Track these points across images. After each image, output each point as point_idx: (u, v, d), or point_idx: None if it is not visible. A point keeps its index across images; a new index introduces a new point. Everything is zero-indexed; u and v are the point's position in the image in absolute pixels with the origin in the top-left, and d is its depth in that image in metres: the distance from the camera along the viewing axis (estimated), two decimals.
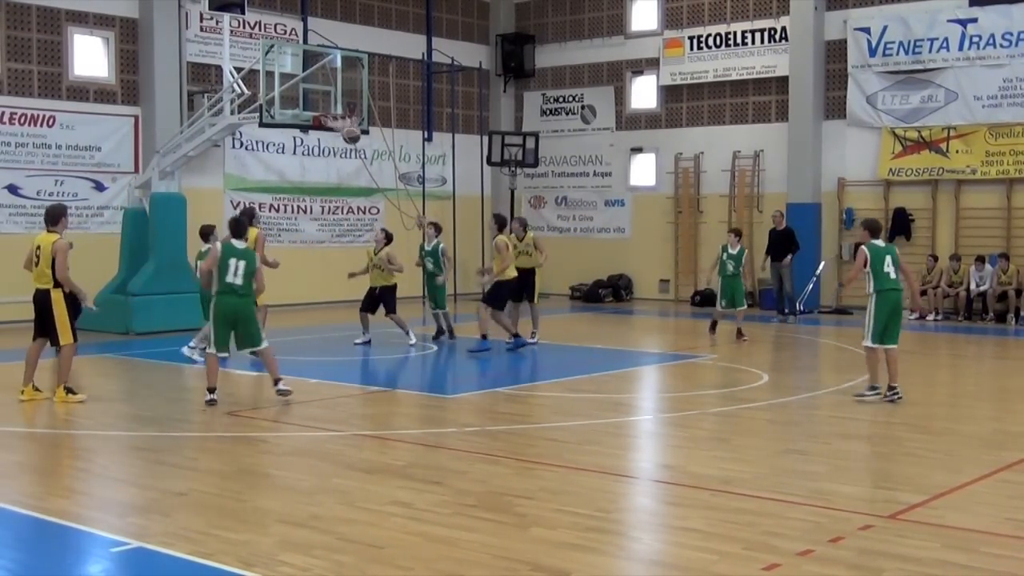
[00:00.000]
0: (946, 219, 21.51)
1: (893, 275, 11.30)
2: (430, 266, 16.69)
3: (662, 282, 25.18)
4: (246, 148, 21.90)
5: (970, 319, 20.15)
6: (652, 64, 25.05)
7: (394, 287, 16.25)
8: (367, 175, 21.84)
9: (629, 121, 25.60)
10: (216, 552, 6.20)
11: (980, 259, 20.24)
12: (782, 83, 23.05)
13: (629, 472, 8.78)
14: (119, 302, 17.81)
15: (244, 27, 21.44)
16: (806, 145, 22.57)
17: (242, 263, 11.07)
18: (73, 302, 11.45)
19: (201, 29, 21.02)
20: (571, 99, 26.41)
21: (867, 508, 7.23)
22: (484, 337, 15.27)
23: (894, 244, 21.35)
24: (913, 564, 6.04)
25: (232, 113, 18.15)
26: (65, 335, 11.24)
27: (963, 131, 21.11)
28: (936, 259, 21.03)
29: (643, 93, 25.45)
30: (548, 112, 26.77)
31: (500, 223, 15.92)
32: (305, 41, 22.41)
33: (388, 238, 16.40)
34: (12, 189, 18.64)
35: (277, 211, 22.37)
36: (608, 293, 24.89)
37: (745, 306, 17.53)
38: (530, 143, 25.34)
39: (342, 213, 23.61)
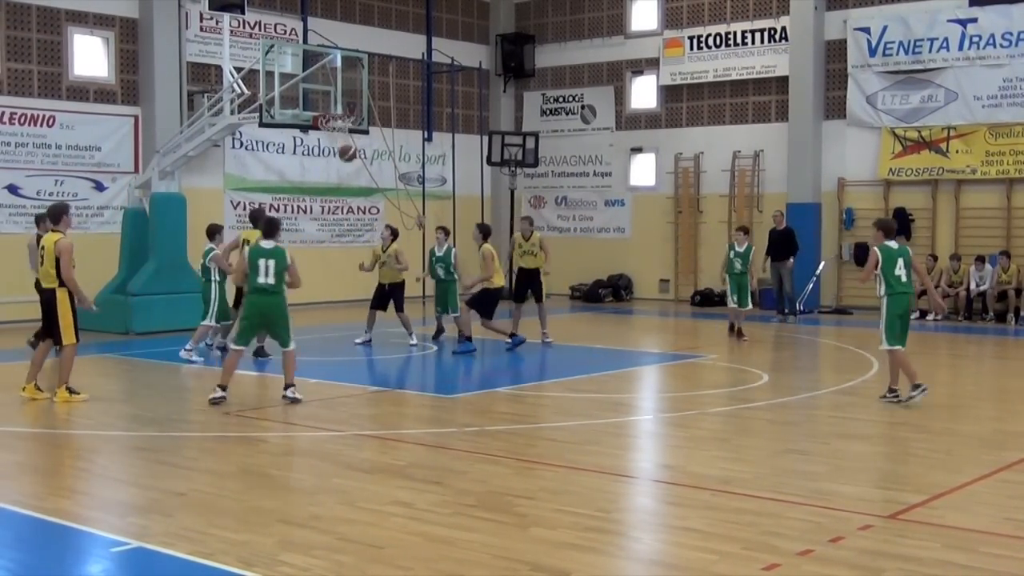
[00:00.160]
0: (946, 219, 21.52)
1: (904, 278, 11.17)
2: (441, 273, 16.26)
3: (662, 282, 25.19)
4: (246, 148, 21.90)
5: (970, 319, 20.15)
6: (652, 64, 25.05)
7: (403, 283, 16.28)
8: (367, 175, 21.84)
9: (629, 121, 25.60)
10: (216, 552, 6.20)
11: (980, 259, 20.24)
12: (782, 83, 23.05)
13: (629, 472, 8.78)
14: (119, 302, 17.81)
15: (244, 27, 21.44)
16: (806, 145, 22.57)
17: (272, 262, 11.18)
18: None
19: (201, 29, 21.02)
20: (571, 99, 26.41)
21: (867, 508, 7.22)
22: (468, 339, 15.26)
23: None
24: (913, 564, 6.04)
25: (232, 113, 18.15)
26: (68, 335, 11.25)
27: (963, 131, 21.11)
28: (936, 259, 21.03)
29: (643, 93, 25.45)
30: (548, 112, 26.77)
31: (485, 232, 15.91)
32: (305, 41, 22.41)
33: (394, 234, 16.41)
34: (12, 189, 18.63)
35: (277, 211, 22.29)
36: (608, 293, 24.89)
37: (749, 306, 17.52)
38: (530, 143, 25.37)
39: (342, 213, 23.61)
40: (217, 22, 20.25)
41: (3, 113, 18.52)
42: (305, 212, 22.86)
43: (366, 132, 19.44)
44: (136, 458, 9.01)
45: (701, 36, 24.13)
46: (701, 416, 10.93)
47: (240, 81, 17.89)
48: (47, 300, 11.31)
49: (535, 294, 16.60)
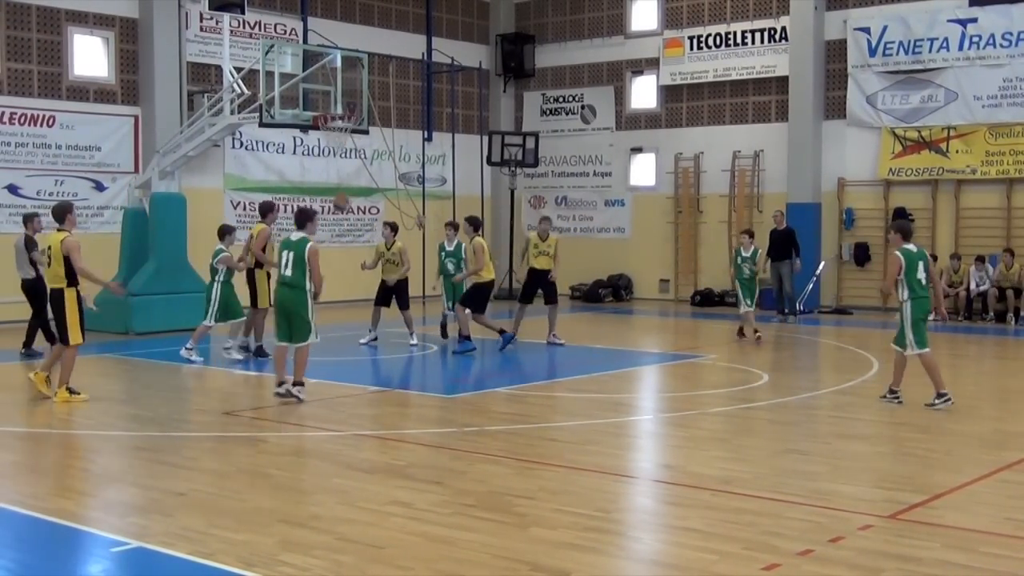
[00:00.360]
0: (946, 219, 21.51)
1: (925, 281, 11.07)
2: (451, 268, 16.21)
3: (662, 282, 25.19)
4: (246, 148, 21.90)
5: (970, 319, 20.15)
6: (652, 64, 25.05)
7: (407, 280, 16.24)
8: (367, 175, 21.85)
9: (629, 121, 25.60)
10: (216, 552, 6.21)
11: (980, 259, 20.24)
12: (782, 83, 23.06)
13: (629, 472, 8.78)
14: (119, 302, 17.73)
15: (244, 27, 21.44)
16: (806, 145, 22.57)
17: (291, 254, 11.21)
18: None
19: (201, 29, 21.02)
20: (571, 99, 26.41)
21: (867, 508, 7.22)
22: (468, 338, 15.25)
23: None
24: (913, 564, 6.04)
25: (232, 113, 18.15)
26: (75, 335, 11.29)
27: (963, 131, 21.12)
28: (936, 259, 20.99)
29: (643, 93, 25.45)
30: (548, 112, 26.77)
31: (475, 224, 15.85)
32: (305, 41, 22.41)
33: (395, 229, 16.35)
34: (12, 189, 18.63)
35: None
36: (608, 293, 24.90)
37: (752, 309, 17.30)
38: (530, 143, 25.39)
39: (342, 213, 23.60)
40: (217, 22, 20.25)
41: (3, 113, 18.53)
42: None
43: (366, 132, 19.45)
44: (136, 458, 9.00)
45: (701, 36, 24.14)
46: (701, 416, 10.93)
47: (240, 81, 17.89)
48: (55, 300, 11.32)
49: (547, 295, 16.49)
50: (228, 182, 21.68)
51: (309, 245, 11.25)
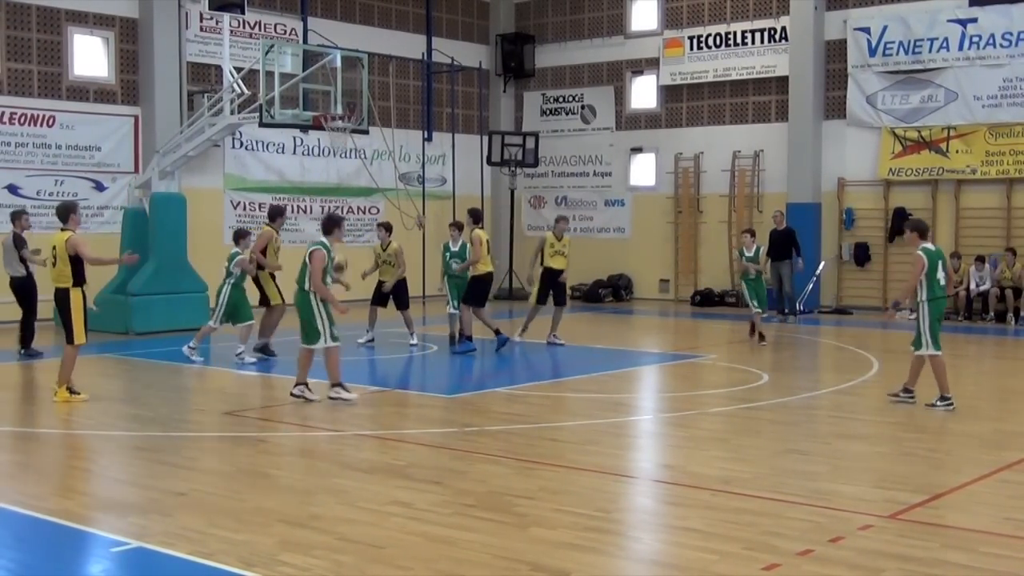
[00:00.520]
0: (946, 219, 21.51)
1: (943, 281, 11.03)
2: (455, 267, 15.93)
3: (662, 282, 25.19)
4: (246, 148, 21.90)
5: (970, 319, 20.15)
6: (652, 64, 25.05)
7: (404, 280, 16.17)
8: (367, 175, 21.85)
9: (629, 121, 25.60)
10: (216, 552, 6.21)
11: (980, 259, 20.24)
12: (782, 83, 23.06)
13: (629, 472, 8.78)
14: (119, 302, 17.81)
15: (244, 27, 21.44)
16: (806, 145, 22.57)
17: (305, 256, 11.24)
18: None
19: (201, 29, 21.02)
20: (571, 99, 26.41)
21: (867, 508, 7.22)
22: (469, 338, 15.23)
23: (897, 244, 21.42)
24: (913, 564, 6.04)
25: (232, 113, 18.15)
26: (79, 335, 11.31)
27: (963, 131, 21.11)
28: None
29: (643, 93, 25.45)
30: (548, 112, 26.77)
31: (475, 217, 15.79)
32: (305, 41, 22.41)
33: (389, 230, 16.29)
34: (12, 189, 18.63)
35: None
36: (608, 293, 24.90)
37: (762, 310, 17.09)
38: (530, 143, 25.40)
39: (342, 213, 23.57)
40: (217, 22, 20.25)
41: (3, 113, 18.53)
42: (305, 212, 22.83)
43: (366, 132, 19.44)
44: (136, 458, 9.01)
45: (701, 36, 24.14)
46: (701, 416, 10.92)
47: (240, 81, 17.89)
48: (61, 299, 11.33)
49: (557, 296, 16.43)
50: (228, 182, 21.68)
51: (314, 249, 11.23)
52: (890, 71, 21.82)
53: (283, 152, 22.59)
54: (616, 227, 25.85)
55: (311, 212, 23.02)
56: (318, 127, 18.50)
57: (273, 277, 14.80)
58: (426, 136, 25.13)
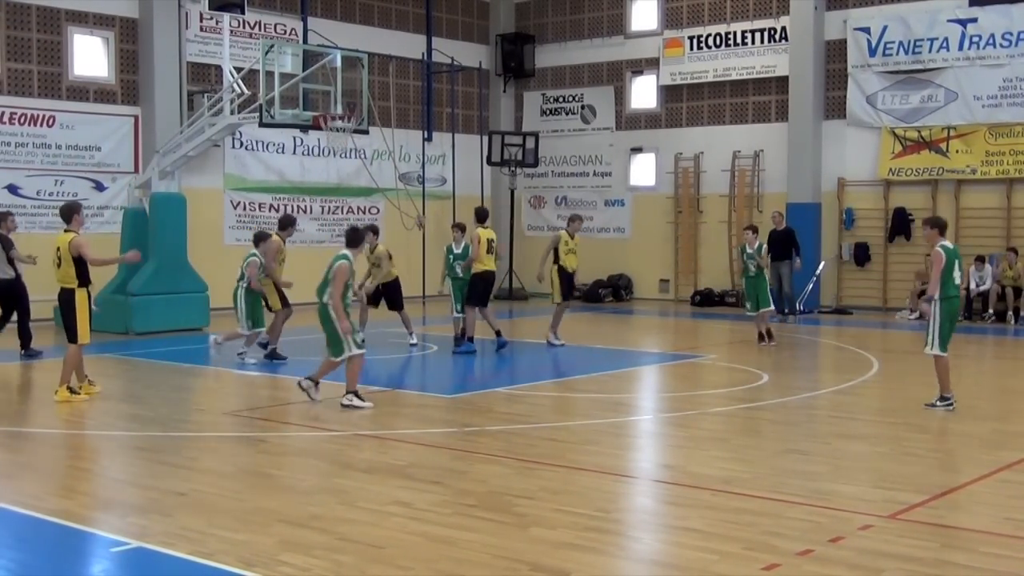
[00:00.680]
0: (946, 219, 21.42)
1: (958, 280, 10.87)
2: (459, 271, 15.75)
3: (662, 282, 25.19)
4: (246, 148, 21.90)
5: (970, 319, 20.13)
6: (652, 64, 25.05)
7: (397, 280, 16.11)
8: (367, 175, 21.85)
9: (629, 121, 25.60)
10: (216, 552, 6.21)
11: (980, 259, 20.23)
12: (782, 83, 23.06)
13: (629, 472, 8.78)
14: (119, 302, 17.80)
15: (244, 27, 21.44)
16: (806, 145, 22.57)
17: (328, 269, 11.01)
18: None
19: (201, 29, 21.02)
20: (571, 99, 26.41)
21: (867, 508, 7.22)
22: (470, 339, 15.22)
23: (896, 243, 21.37)
24: (913, 564, 6.04)
25: (232, 113, 18.15)
26: (83, 334, 11.33)
27: (963, 131, 21.11)
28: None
29: (643, 93, 25.45)
30: (548, 112, 26.77)
31: (478, 215, 15.75)
32: (305, 41, 22.41)
33: (376, 233, 16.17)
34: (12, 189, 18.64)
35: (277, 211, 22.28)
36: (608, 293, 24.90)
37: (771, 307, 16.93)
38: (530, 143, 25.41)
39: (342, 213, 23.59)
40: (217, 22, 20.25)
41: (3, 113, 18.53)
42: (305, 212, 22.83)
43: (366, 132, 19.43)
44: (136, 458, 9.01)
45: (701, 36, 24.14)
46: (701, 416, 10.92)
47: (240, 81, 17.89)
48: (64, 300, 11.34)
49: (565, 294, 16.43)
50: (228, 182, 21.68)
51: (338, 263, 10.89)
52: (890, 71, 21.82)
53: (283, 152, 22.60)
54: (616, 227, 25.85)
55: (311, 212, 23.04)
56: (318, 127, 18.48)
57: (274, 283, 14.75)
58: (426, 136, 25.13)
